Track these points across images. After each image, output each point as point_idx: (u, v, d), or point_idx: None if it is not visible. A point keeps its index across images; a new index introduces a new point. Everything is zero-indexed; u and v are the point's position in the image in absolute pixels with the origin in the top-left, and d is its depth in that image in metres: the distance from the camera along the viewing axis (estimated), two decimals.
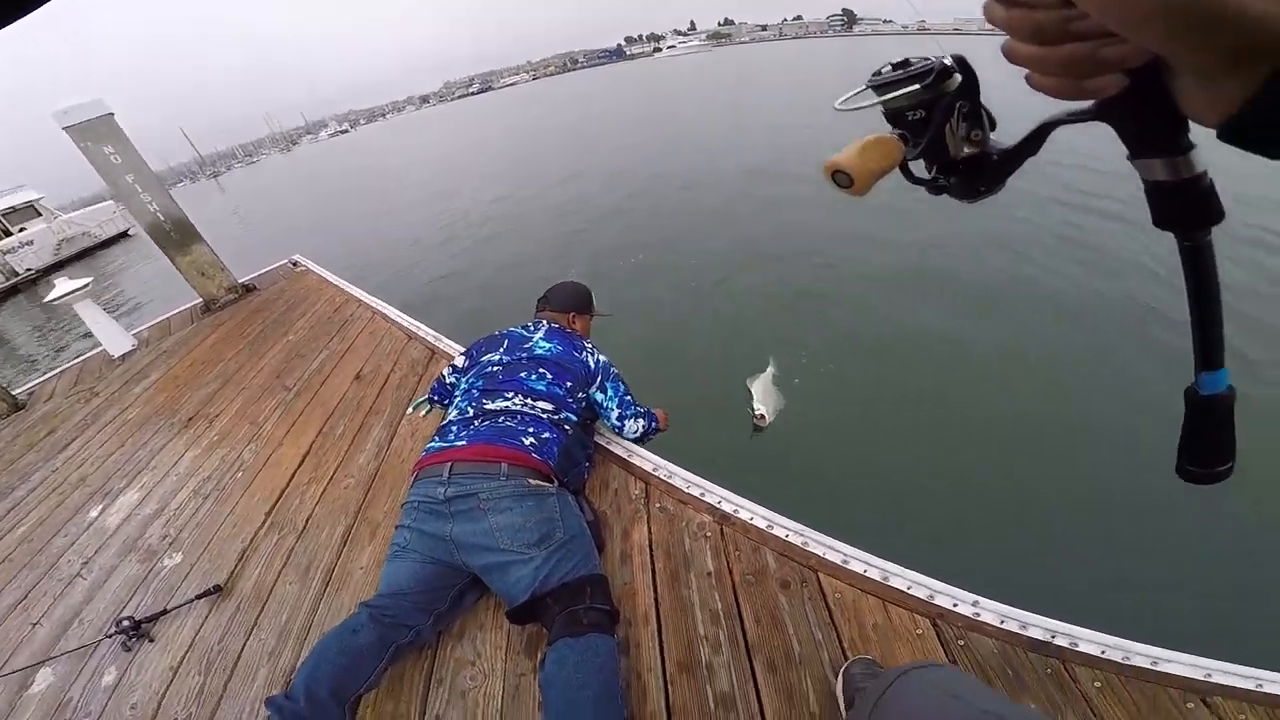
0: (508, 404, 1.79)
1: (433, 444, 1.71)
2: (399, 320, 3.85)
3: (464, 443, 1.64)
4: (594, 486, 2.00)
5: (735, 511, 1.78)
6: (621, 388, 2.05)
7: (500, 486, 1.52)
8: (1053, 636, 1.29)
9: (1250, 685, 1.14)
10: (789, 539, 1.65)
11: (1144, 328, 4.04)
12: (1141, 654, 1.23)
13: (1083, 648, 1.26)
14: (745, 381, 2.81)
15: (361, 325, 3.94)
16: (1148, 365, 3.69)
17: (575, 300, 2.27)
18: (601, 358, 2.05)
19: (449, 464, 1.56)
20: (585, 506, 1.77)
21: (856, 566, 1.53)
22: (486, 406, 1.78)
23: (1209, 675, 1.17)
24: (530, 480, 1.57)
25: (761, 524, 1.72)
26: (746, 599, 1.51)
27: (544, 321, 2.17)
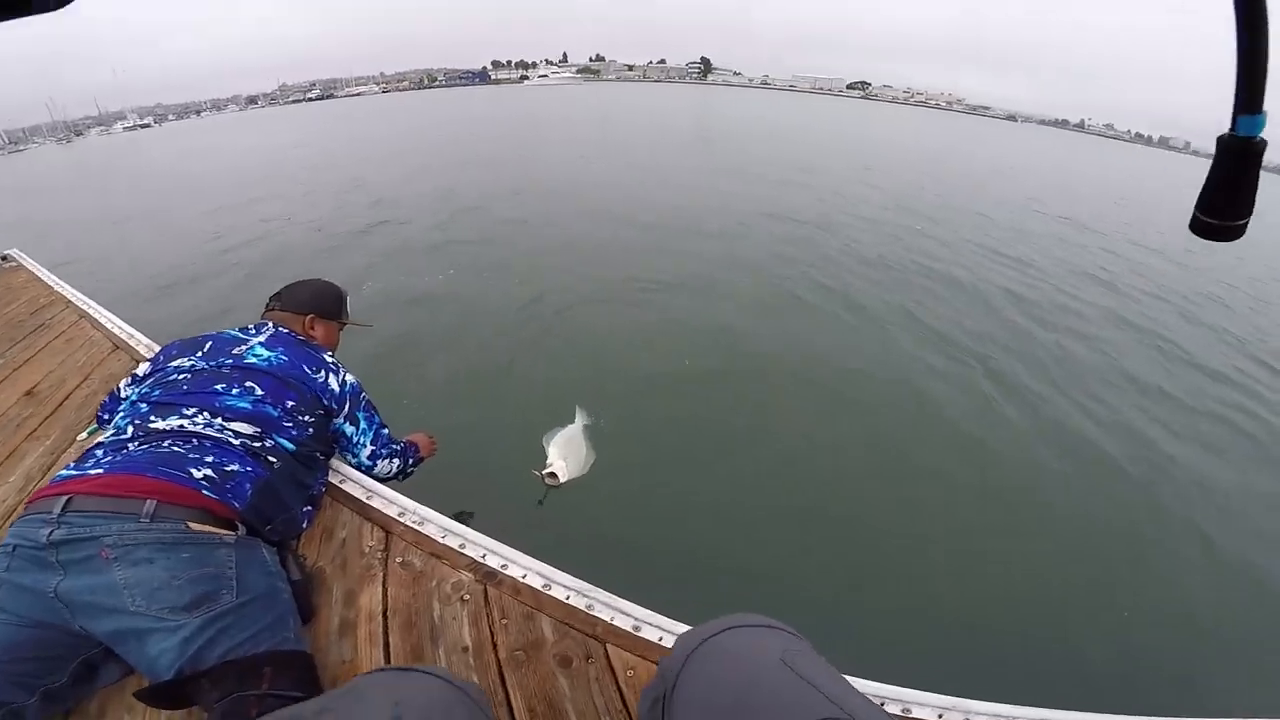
0: (183, 423, 1.33)
1: (62, 472, 1.24)
2: (109, 327, 2.97)
3: (100, 470, 1.20)
4: (312, 534, 1.47)
5: (503, 567, 1.35)
6: (376, 419, 1.70)
7: (140, 530, 1.11)
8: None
9: None
10: (570, 601, 1.28)
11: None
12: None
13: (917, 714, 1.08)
14: (543, 439, 2.32)
15: (59, 331, 3.02)
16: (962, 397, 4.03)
17: (317, 301, 1.81)
18: (350, 379, 1.64)
19: (65, 498, 1.15)
20: (291, 563, 1.30)
21: (650, 634, 1.17)
22: (152, 425, 1.32)
23: None
24: (191, 524, 1.16)
25: (536, 583, 1.31)
26: (516, 682, 1.14)
27: (269, 324, 1.70)
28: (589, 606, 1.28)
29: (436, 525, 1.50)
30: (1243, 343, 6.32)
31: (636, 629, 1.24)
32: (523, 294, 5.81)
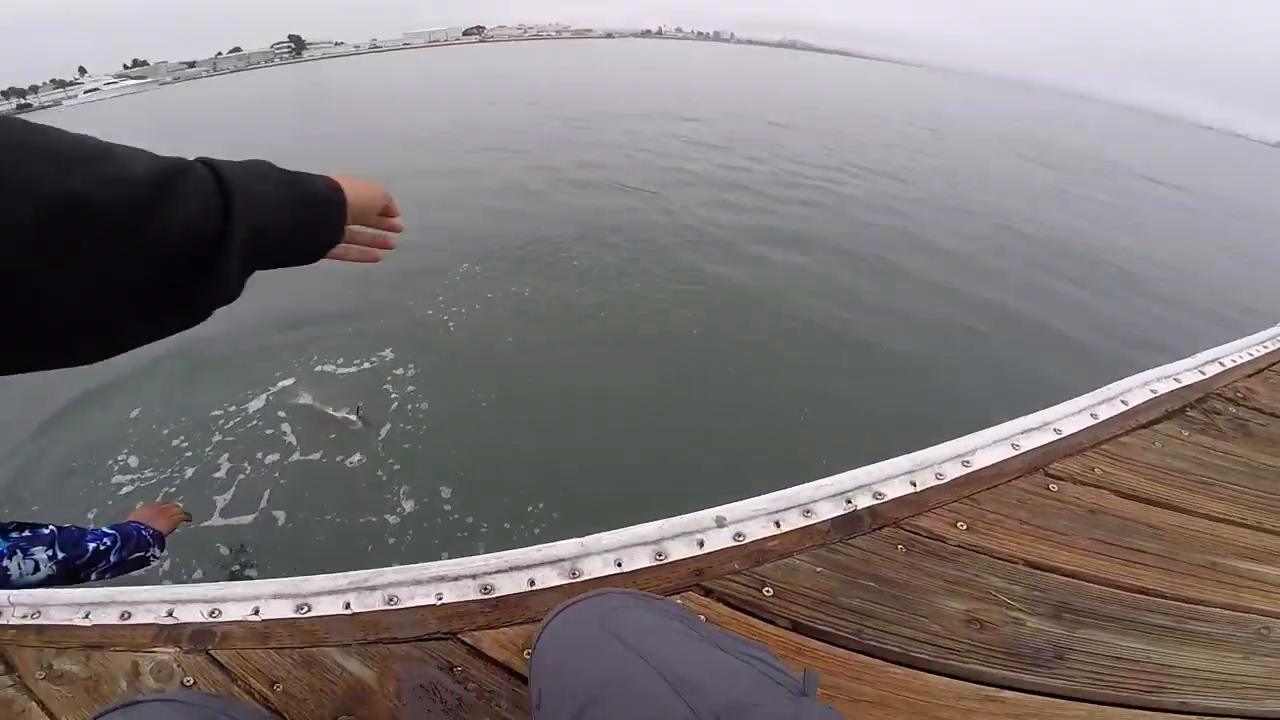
0: None
1: None
2: None
3: None
4: None
5: (212, 614, 0.92)
6: None
7: None
8: (848, 502, 0.91)
9: None
10: (356, 607, 0.93)
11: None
12: None
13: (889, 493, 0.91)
14: None
15: None
16: None
17: None
18: None
19: None
20: None
21: (509, 583, 0.90)
22: None
23: None
24: None
25: (284, 610, 0.93)
26: None
27: None
28: (391, 600, 0.93)
29: (64, 606, 0.96)
30: None
31: (488, 590, 0.94)
32: None
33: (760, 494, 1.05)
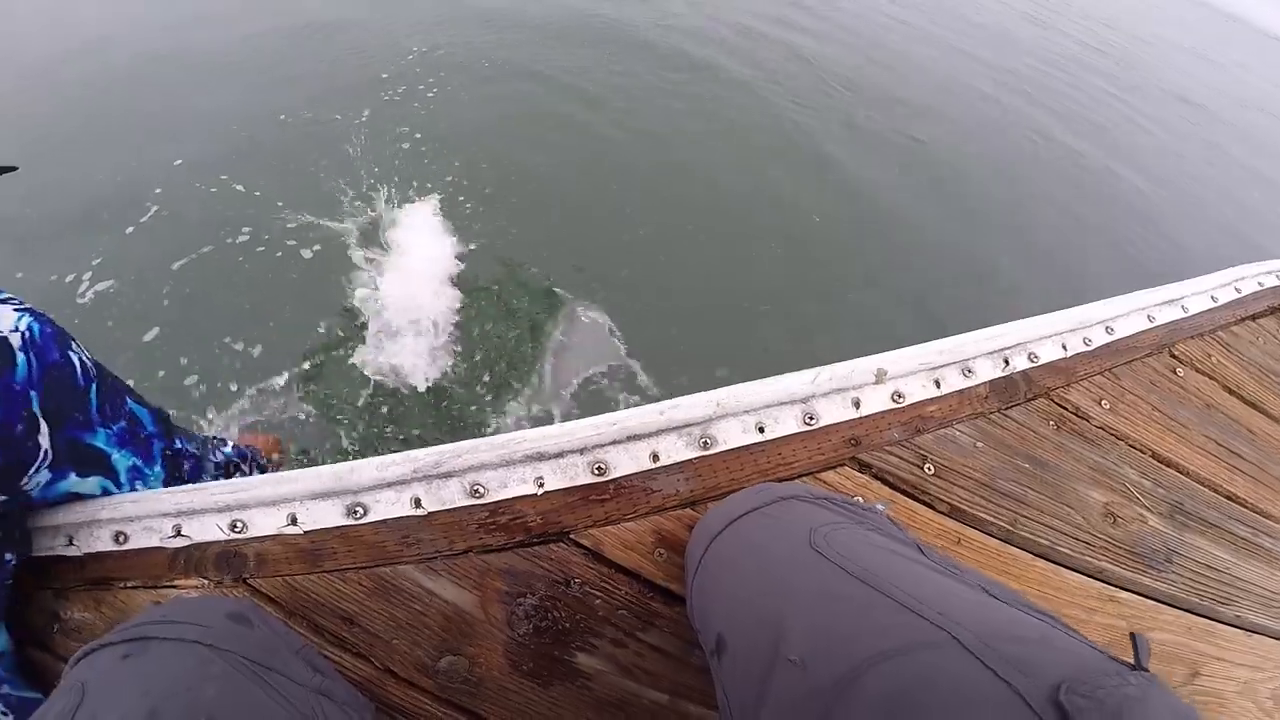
0: None
1: None
2: None
3: None
4: None
5: (237, 528, 0.65)
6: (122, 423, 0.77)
7: None
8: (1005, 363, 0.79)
9: None
10: (427, 502, 0.66)
11: None
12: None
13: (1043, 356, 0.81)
14: None
15: None
16: None
17: None
18: (84, 357, 0.70)
19: None
20: None
21: (625, 461, 0.65)
22: None
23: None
24: None
25: (334, 515, 0.64)
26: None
27: None
28: (476, 491, 0.62)
29: (44, 530, 0.65)
30: None
31: (600, 470, 0.63)
32: None
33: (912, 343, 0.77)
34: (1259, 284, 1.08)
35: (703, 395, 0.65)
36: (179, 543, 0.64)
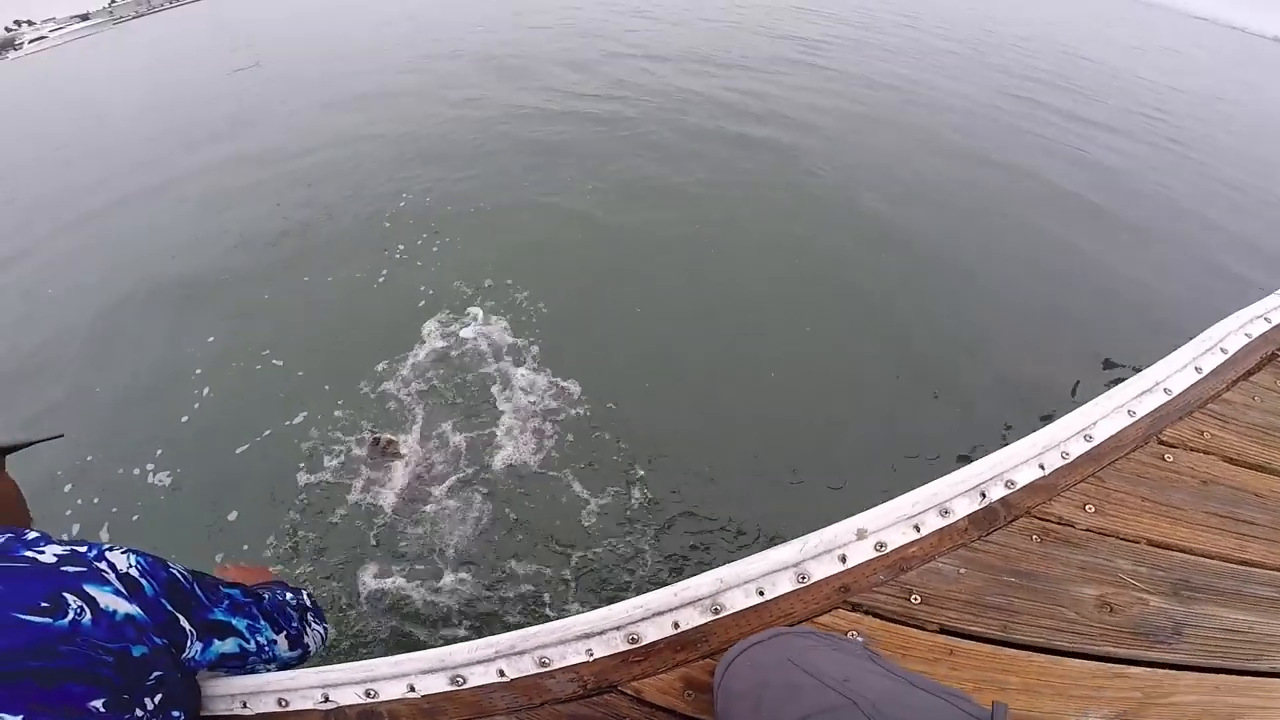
0: None
1: None
2: None
3: None
4: None
5: (370, 695, 0.92)
6: (226, 601, 0.98)
7: None
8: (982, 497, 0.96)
9: None
10: (510, 672, 0.90)
11: None
12: None
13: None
14: None
15: None
16: None
17: None
18: (124, 570, 0.82)
19: None
20: None
21: (653, 630, 0.94)
22: None
23: None
24: None
25: (439, 684, 0.92)
26: None
27: None
28: (543, 663, 0.89)
29: (220, 698, 0.92)
30: None
31: (635, 639, 0.91)
32: None
33: (894, 495, 1.03)
34: (1247, 335, 1.15)
35: (709, 574, 0.96)
36: (328, 706, 0.90)
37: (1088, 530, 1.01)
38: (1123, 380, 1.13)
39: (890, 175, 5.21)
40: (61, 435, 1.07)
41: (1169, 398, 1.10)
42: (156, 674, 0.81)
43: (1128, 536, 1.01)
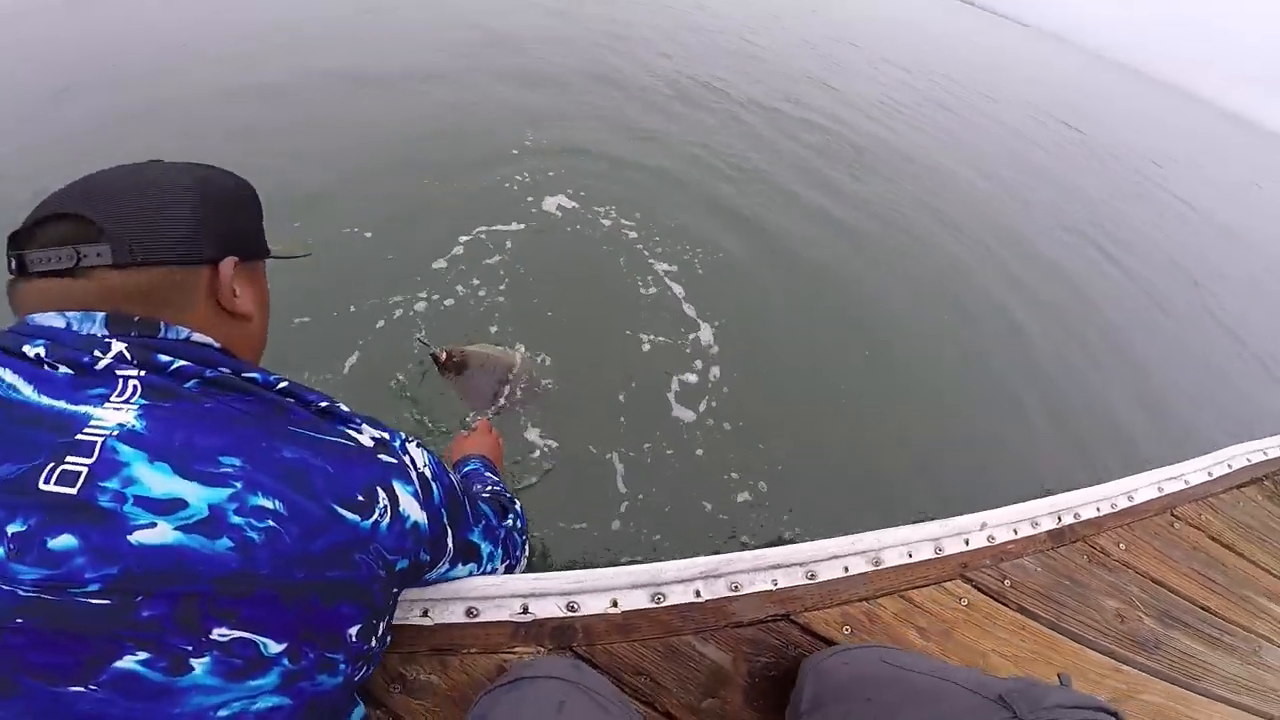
0: None
1: None
2: None
3: None
4: None
5: (570, 608, 0.94)
6: (484, 516, 0.87)
7: None
8: (1059, 520, 1.32)
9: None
10: (705, 595, 1.02)
11: None
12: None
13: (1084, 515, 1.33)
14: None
15: None
16: None
17: (224, 220, 0.66)
18: (421, 469, 0.68)
19: None
20: None
21: (829, 570, 1.13)
22: None
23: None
24: None
25: (639, 601, 0.98)
26: None
27: (111, 342, 0.55)
28: (734, 587, 1.03)
29: (401, 603, 0.85)
30: None
31: (812, 576, 1.11)
32: None
33: (1009, 503, 1.33)
34: (1248, 459, 1.57)
35: (873, 533, 1.22)
36: (525, 618, 0.87)
37: (1119, 562, 1.36)
38: (1160, 466, 1.51)
39: None
40: (310, 254, 0.90)
41: (1186, 486, 1.50)
42: (397, 594, 0.70)
43: (1141, 571, 1.38)
